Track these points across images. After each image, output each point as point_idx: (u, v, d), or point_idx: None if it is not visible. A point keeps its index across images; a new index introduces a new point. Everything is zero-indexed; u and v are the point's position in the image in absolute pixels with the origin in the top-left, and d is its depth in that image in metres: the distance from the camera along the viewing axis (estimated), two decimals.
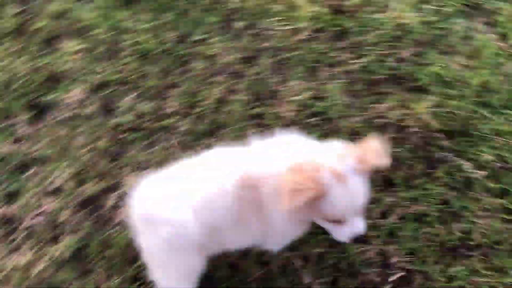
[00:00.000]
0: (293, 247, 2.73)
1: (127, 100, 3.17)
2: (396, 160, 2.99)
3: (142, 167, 3.00)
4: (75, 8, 3.48)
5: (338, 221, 1.86)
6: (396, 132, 3.09)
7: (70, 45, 3.34)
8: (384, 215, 2.85)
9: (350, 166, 1.74)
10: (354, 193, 1.76)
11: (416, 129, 3.08)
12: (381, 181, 2.93)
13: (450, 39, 3.38)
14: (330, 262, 2.71)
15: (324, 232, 2.71)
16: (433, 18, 3.44)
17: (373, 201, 2.85)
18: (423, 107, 3.11)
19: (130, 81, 3.24)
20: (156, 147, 3.05)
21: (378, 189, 2.90)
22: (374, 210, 2.84)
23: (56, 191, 2.93)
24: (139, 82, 3.23)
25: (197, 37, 3.37)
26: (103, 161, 2.99)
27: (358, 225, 1.86)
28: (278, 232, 2.04)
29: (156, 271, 2.04)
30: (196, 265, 1.99)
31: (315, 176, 1.69)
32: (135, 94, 3.21)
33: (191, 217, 1.77)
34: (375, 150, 1.77)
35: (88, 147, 3.04)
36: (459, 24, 3.40)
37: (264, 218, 1.89)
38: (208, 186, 1.82)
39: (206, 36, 3.39)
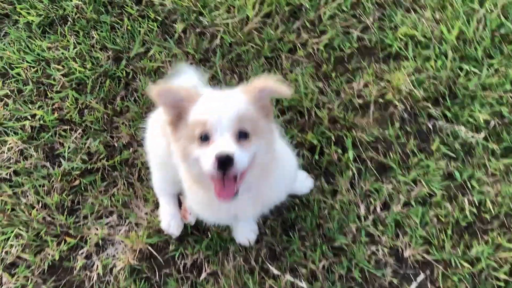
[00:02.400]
0: (293, 268, 2.52)
1: (71, 141, 2.85)
2: (386, 142, 2.79)
3: (106, 213, 2.71)
4: None
5: (206, 139, 1.75)
6: (380, 110, 2.88)
7: None
8: (386, 206, 2.66)
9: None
10: (222, 101, 1.78)
11: (400, 103, 2.87)
12: (375, 168, 2.72)
13: None
14: (339, 273, 2.50)
15: (326, 241, 2.54)
16: None
17: (370, 193, 2.65)
18: (401, 76, 2.90)
19: (71, 118, 2.91)
20: (117, 187, 2.75)
21: (373, 179, 2.69)
22: (374, 203, 2.64)
23: (12, 266, 2.62)
24: (81, 117, 2.91)
25: (135, 52, 3.05)
26: (59, 217, 2.68)
27: (222, 144, 1.70)
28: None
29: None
30: (168, 177, 2.41)
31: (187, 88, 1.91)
32: (79, 131, 2.89)
33: None
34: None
35: (38, 205, 2.72)
36: None
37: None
38: None
39: (145, 48, 3.08)
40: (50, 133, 2.88)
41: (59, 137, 2.88)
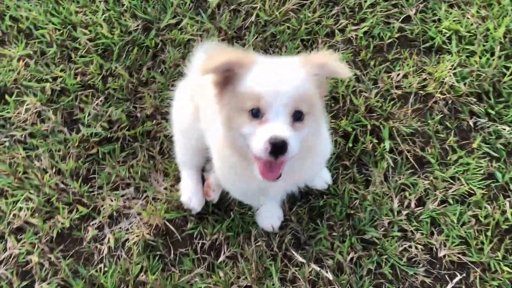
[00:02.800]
0: (318, 258, 2.34)
1: (92, 108, 2.70)
2: (424, 135, 2.64)
3: (122, 185, 2.55)
4: (13, 6, 2.97)
5: (258, 116, 1.59)
6: (419, 102, 2.73)
7: (13, 52, 2.84)
8: (421, 202, 2.49)
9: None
10: (280, 75, 1.60)
11: (441, 96, 2.72)
12: (412, 162, 2.56)
13: None
14: (368, 268, 2.33)
15: (356, 233, 2.37)
16: None
17: (405, 187, 2.49)
18: (444, 69, 2.75)
19: (93, 84, 2.77)
20: (137, 159, 2.59)
21: (409, 173, 2.53)
22: (409, 198, 2.47)
23: (19, 231, 2.45)
24: (104, 84, 2.76)
25: (166, 23, 2.91)
26: (73, 185, 2.52)
27: (277, 127, 1.55)
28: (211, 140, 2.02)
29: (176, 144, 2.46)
30: (193, 145, 2.29)
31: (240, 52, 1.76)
32: (102, 99, 2.74)
33: None
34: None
35: (52, 171, 2.56)
36: None
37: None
38: None
39: (176, 20, 2.94)
40: (70, 97, 2.73)
41: (80, 102, 2.73)
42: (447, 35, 2.91)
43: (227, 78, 1.67)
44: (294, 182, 2.03)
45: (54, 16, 2.95)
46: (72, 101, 2.73)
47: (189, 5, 3.00)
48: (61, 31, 2.91)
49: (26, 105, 2.71)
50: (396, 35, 2.92)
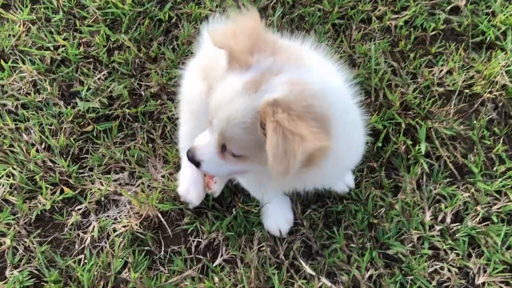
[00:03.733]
0: (331, 272, 2.00)
1: (93, 82, 2.45)
2: (467, 141, 2.28)
3: (116, 169, 2.27)
4: None
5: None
6: (463, 103, 2.37)
7: (16, 16, 2.63)
8: (458, 217, 2.12)
9: None
10: (230, 103, 1.39)
11: (490, 96, 2.35)
12: (451, 169, 2.20)
13: None
14: None
15: (378, 246, 2.03)
16: None
17: (441, 198, 2.13)
18: (495, 67, 2.39)
19: (97, 56, 2.52)
20: (135, 141, 2.32)
21: (447, 182, 2.17)
22: (445, 211, 2.11)
23: None
24: (109, 57, 2.51)
25: None
26: (61, 163, 2.25)
27: (201, 142, 1.56)
28: None
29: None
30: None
31: None
32: (105, 72, 2.49)
33: None
34: None
35: (40, 146, 2.30)
36: None
37: None
38: None
39: None
40: (70, 68, 2.48)
41: (80, 75, 2.48)
42: (502, 30, 2.55)
43: None
44: (303, 183, 1.71)
45: None
46: (72, 72, 2.48)
47: None
48: None
49: (22, 73, 2.47)
50: (442, 27, 2.58)
